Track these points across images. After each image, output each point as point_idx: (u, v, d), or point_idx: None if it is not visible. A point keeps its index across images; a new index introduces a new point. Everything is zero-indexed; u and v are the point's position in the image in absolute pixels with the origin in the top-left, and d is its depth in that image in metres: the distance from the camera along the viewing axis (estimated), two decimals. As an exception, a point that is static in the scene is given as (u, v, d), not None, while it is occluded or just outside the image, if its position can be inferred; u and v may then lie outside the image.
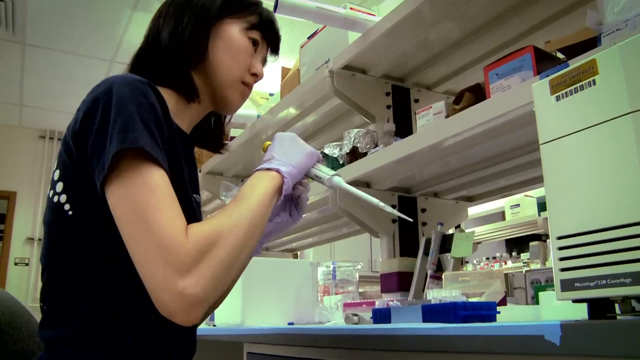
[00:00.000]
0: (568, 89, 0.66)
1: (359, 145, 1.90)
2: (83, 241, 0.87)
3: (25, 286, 5.97)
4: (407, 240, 1.93)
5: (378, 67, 1.97)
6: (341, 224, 2.67)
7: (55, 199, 0.89)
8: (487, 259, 4.93)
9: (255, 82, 1.12)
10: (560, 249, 0.65)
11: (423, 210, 2.05)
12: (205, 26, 1.04)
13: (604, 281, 0.59)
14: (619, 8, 1.05)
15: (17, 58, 4.92)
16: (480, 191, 2.11)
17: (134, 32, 4.54)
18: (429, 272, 1.66)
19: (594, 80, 0.63)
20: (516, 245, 5.19)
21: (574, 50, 1.24)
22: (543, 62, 1.32)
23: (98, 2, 4.13)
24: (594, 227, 0.61)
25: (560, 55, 1.34)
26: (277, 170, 0.98)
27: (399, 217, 1.99)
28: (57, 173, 0.90)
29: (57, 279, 0.89)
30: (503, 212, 4.71)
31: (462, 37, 1.77)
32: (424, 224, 2.03)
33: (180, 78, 1.02)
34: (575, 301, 0.64)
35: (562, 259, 0.65)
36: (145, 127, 0.82)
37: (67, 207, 0.88)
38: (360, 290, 2.10)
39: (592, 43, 1.18)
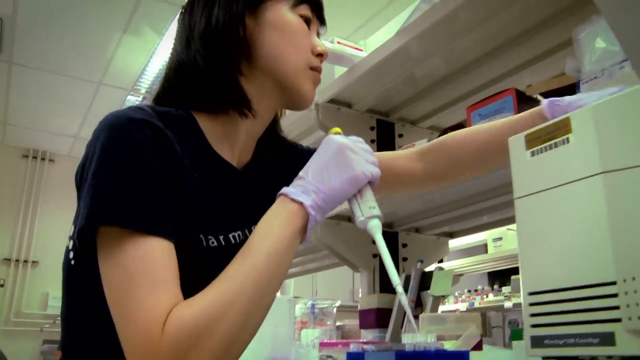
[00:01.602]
0: (543, 145, 0.67)
1: (341, 178, 1.89)
2: (81, 294, 0.81)
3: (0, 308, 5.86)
4: (388, 276, 1.92)
5: (363, 102, 1.98)
6: (323, 256, 2.65)
7: (66, 243, 0.83)
8: (469, 291, 4.92)
9: (322, 62, 0.96)
10: (532, 304, 0.65)
11: (404, 246, 2.05)
12: (244, 15, 0.86)
13: (572, 340, 0.59)
14: (596, 57, 1.07)
15: (3, 76, 4.90)
16: (462, 227, 2.12)
17: (123, 55, 4.55)
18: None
19: (567, 138, 0.64)
20: (498, 278, 5.20)
21: (554, 95, 1.24)
22: (524, 104, 1.33)
23: (88, 24, 4.14)
24: (564, 285, 0.61)
25: (541, 99, 1.35)
26: (301, 204, 0.78)
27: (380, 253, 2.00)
28: (74, 215, 0.80)
29: (65, 330, 0.84)
30: (485, 245, 4.72)
31: (449, 74, 1.79)
32: (405, 259, 2.02)
33: (229, 91, 0.86)
34: (544, 358, 0.63)
35: (533, 315, 0.64)
36: (124, 194, 0.70)
37: (70, 255, 0.81)
38: (339, 323, 2.09)
39: (571, 89, 1.20)
